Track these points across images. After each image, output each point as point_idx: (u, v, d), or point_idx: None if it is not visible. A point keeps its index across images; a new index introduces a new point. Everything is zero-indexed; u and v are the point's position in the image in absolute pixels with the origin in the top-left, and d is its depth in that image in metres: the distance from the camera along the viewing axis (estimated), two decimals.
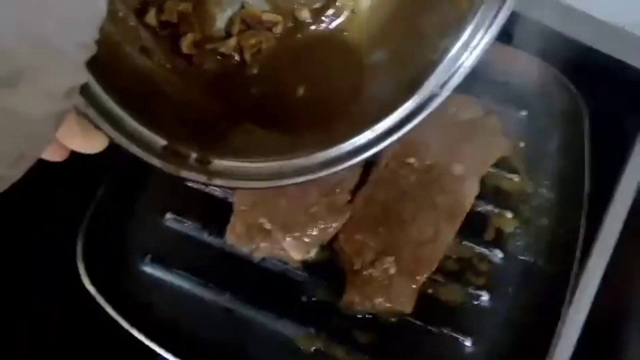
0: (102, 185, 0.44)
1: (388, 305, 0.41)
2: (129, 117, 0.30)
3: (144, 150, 0.31)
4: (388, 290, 0.41)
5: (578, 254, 0.43)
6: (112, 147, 0.45)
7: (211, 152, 0.33)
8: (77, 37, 0.21)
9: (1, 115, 0.20)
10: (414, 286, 0.42)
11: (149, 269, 0.43)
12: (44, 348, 0.40)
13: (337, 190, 0.45)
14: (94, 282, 0.40)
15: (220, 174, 0.33)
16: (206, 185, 0.45)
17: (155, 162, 0.32)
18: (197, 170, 0.33)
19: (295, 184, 0.35)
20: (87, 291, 0.40)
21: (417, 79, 0.34)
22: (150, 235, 0.45)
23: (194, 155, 0.33)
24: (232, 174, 0.34)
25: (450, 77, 0.35)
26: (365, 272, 0.42)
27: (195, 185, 0.47)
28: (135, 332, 0.38)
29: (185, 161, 0.33)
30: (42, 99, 0.21)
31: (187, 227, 0.45)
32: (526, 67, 0.54)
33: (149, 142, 0.31)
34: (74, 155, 0.47)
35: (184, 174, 0.33)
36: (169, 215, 0.45)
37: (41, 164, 0.25)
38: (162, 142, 0.32)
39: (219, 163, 0.33)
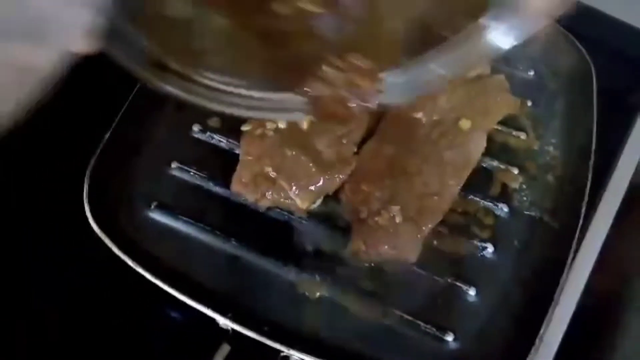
0: (109, 131, 0.44)
1: (393, 253, 0.41)
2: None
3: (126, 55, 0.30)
4: (394, 238, 0.41)
5: (584, 210, 0.44)
6: (120, 93, 0.46)
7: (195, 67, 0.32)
8: None
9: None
10: (419, 236, 0.42)
11: (155, 216, 0.44)
12: (52, 291, 0.41)
13: (344, 141, 0.45)
14: (99, 224, 0.40)
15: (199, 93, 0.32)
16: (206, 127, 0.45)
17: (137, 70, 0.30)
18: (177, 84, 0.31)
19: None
20: (94, 233, 0.40)
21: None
22: (156, 183, 0.45)
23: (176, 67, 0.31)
24: (211, 95, 0.32)
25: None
26: (371, 221, 0.42)
27: (200, 137, 0.47)
28: (141, 271, 0.38)
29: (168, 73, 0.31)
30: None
31: (193, 176, 0.45)
32: None
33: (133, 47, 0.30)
34: (82, 98, 0.47)
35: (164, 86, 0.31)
36: (174, 164, 0.46)
37: (49, 107, 0.25)
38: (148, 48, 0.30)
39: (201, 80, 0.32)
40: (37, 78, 0.23)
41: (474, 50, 0.32)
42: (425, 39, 0.33)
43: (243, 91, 0.33)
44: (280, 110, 0.33)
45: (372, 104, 0.31)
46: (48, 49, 0.23)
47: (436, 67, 0.33)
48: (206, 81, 0.32)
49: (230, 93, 0.33)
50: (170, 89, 0.32)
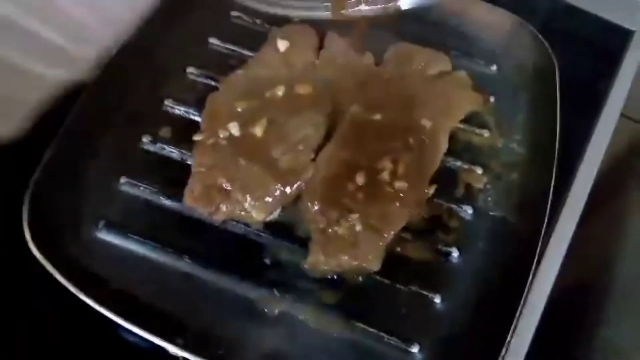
0: (50, 148, 0.41)
1: (355, 263, 0.40)
2: None
3: None
4: (354, 247, 0.40)
5: (548, 209, 0.43)
6: (60, 109, 0.43)
7: None
8: None
9: None
10: (380, 243, 0.41)
11: (102, 235, 0.41)
12: None
13: (300, 148, 0.43)
14: (40, 248, 0.38)
15: None
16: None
17: None
18: None
19: None
20: (35, 259, 0.38)
21: None
22: (103, 201, 0.43)
23: None
24: None
25: None
26: (330, 230, 0.40)
27: (151, 148, 0.45)
28: (87, 300, 0.36)
29: None
30: None
31: (143, 191, 0.43)
32: (496, 21, 0.53)
33: None
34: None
35: None
36: (123, 179, 0.43)
37: None
38: None
39: None
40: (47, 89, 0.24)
41: None
42: None
43: None
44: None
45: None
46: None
47: None
48: None
49: None
50: None
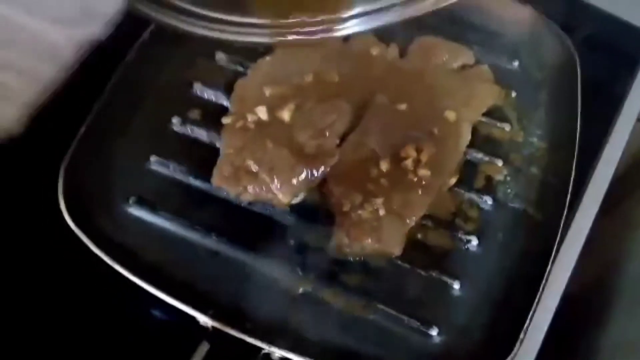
0: (85, 124, 0.43)
1: (377, 246, 0.41)
2: None
3: None
4: (377, 231, 0.41)
5: (568, 201, 0.44)
6: (95, 85, 0.45)
7: None
8: None
9: None
10: (403, 228, 0.42)
11: (133, 211, 0.43)
12: (28, 289, 0.40)
13: (327, 134, 0.45)
14: (75, 220, 0.39)
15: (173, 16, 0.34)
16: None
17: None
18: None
19: None
20: (70, 230, 0.39)
21: None
22: (134, 177, 0.44)
23: None
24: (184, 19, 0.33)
25: None
26: (354, 214, 0.42)
27: (180, 130, 0.47)
28: (118, 268, 0.37)
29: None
30: None
31: (172, 170, 0.45)
32: (520, 18, 0.54)
33: None
34: (57, 93, 0.46)
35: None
36: (153, 159, 0.45)
37: None
38: None
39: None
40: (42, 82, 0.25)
41: None
42: None
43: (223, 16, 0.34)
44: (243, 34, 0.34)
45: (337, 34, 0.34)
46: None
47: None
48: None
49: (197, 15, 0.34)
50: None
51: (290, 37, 0.34)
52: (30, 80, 0.26)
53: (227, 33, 0.34)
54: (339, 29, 0.34)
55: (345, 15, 0.34)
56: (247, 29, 0.34)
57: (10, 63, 0.25)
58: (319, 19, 0.34)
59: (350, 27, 0.34)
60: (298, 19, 0.33)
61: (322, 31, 0.34)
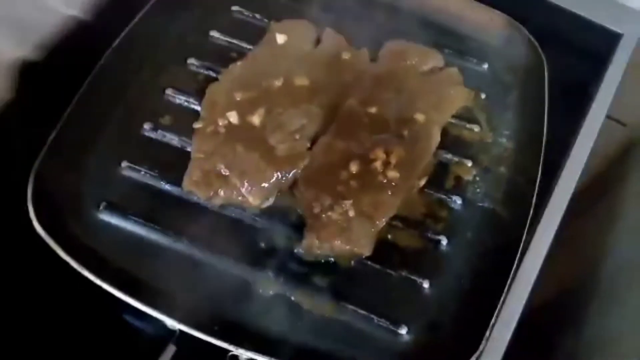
0: (55, 130, 0.43)
1: (347, 247, 0.42)
2: None
3: None
4: (347, 232, 0.42)
5: (534, 202, 0.45)
6: (66, 91, 0.45)
7: None
8: None
9: None
10: (372, 229, 0.43)
11: (103, 216, 0.43)
12: None
13: (297, 137, 0.45)
14: (43, 225, 0.39)
15: None
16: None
17: None
18: None
19: None
20: (38, 236, 0.39)
21: None
22: (105, 183, 0.45)
23: None
24: None
25: None
26: (324, 216, 0.42)
27: (151, 135, 0.47)
28: (85, 273, 0.38)
29: None
30: None
31: (143, 175, 0.45)
32: (488, 22, 0.55)
33: None
34: (27, 98, 0.46)
35: None
36: (124, 164, 0.45)
37: None
38: None
39: None
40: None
41: None
42: None
43: None
44: None
45: None
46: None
47: None
48: None
49: None
50: None
51: None
52: None
53: None
54: None
55: None
56: None
57: None
58: None
59: None
60: None
61: None
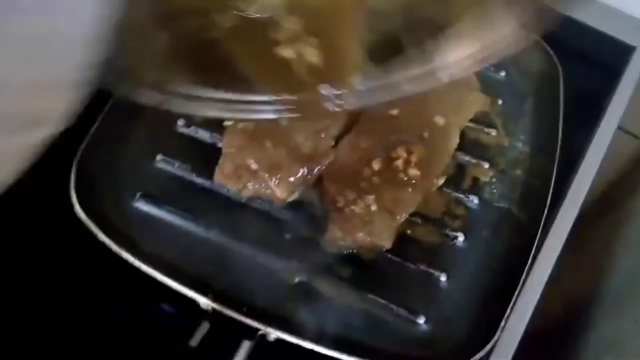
0: (96, 123, 0.46)
1: (368, 239, 0.44)
2: None
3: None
4: (369, 225, 0.44)
5: (548, 203, 0.47)
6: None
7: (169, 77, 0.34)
8: None
9: None
10: (393, 224, 0.45)
11: (139, 205, 0.46)
12: (40, 276, 0.43)
13: (322, 135, 0.48)
14: (85, 211, 0.42)
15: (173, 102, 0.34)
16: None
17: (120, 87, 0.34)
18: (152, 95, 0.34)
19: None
20: (80, 221, 0.42)
21: None
22: (141, 174, 0.47)
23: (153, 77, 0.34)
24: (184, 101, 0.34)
25: None
26: (347, 210, 0.45)
27: (185, 131, 0.50)
28: (125, 255, 0.41)
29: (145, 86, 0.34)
30: None
31: (177, 168, 0.48)
32: None
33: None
34: None
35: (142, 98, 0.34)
36: (159, 157, 0.48)
37: None
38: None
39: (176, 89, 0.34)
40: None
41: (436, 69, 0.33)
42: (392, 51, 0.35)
43: (222, 95, 0.34)
44: (255, 112, 0.35)
45: (345, 106, 0.34)
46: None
47: (401, 80, 0.34)
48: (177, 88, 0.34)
49: (212, 98, 0.34)
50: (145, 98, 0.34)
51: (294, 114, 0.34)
52: None
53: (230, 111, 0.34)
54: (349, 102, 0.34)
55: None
56: (252, 106, 0.34)
57: None
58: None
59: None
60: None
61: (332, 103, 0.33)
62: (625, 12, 0.62)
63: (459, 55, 0.34)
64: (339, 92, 0.34)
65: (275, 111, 0.35)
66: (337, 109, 0.34)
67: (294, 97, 0.34)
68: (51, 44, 0.22)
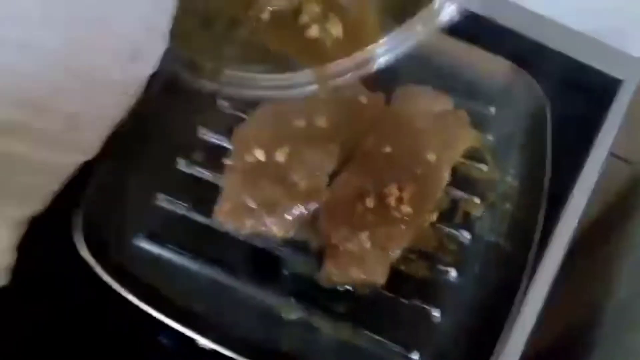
0: (97, 167, 0.48)
1: (362, 276, 0.46)
2: None
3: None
4: (363, 262, 0.46)
5: (537, 236, 0.49)
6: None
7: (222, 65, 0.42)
8: None
9: None
10: (386, 260, 0.47)
11: (143, 244, 0.48)
12: (43, 312, 0.45)
13: (317, 174, 0.50)
14: (91, 254, 0.44)
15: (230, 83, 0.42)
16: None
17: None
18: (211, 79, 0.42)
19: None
20: (85, 265, 0.44)
21: None
22: (144, 214, 0.49)
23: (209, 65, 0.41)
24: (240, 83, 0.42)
25: None
26: (342, 247, 0.47)
27: (185, 170, 0.52)
28: (127, 295, 0.42)
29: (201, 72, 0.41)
30: None
31: (178, 207, 0.50)
32: (495, 68, 0.60)
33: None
34: None
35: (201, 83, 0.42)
36: (160, 196, 0.50)
37: None
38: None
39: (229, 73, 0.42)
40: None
41: None
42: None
43: (260, 75, 0.42)
44: (292, 87, 0.42)
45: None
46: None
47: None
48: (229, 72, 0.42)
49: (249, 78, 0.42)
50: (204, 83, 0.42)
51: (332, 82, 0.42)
52: (97, 115, 0.31)
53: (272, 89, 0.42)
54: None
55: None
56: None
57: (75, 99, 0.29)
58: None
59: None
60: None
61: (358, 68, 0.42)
62: (612, 45, 0.65)
63: None
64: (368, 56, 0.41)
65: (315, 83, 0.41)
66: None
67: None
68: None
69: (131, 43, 0.31)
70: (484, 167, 0.55)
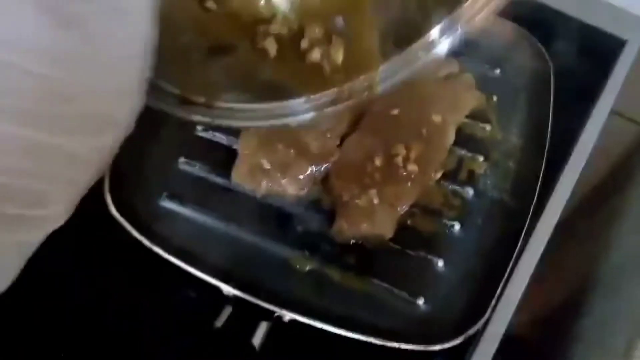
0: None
1: (372, 230, 0.49)
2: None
3: (160, 101, 0.39)
4: (372, 217, 0.49)
5: (537, 192, 0.52)
6: None
7: (216, 97, 0.40)
8: None
9: None
10: (394, 215, 0.50)
11: (166, 204, 0.52)
12: (75, 268, 0.49)
13: (328, 135, 0.53)
14: (119, 212, 0.48)
15: (223, 116, 0.40)
16: (212, 127, 0.53)
17: (171, 110, 0.39)
18: (204, 114, 0.40)
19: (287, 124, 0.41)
20: (114, 220, 0.48)
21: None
22: (166, 176, 0.53)
23: (201, 100, 0.40)
24: (233, 115, 0.40)
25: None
26: (352, 203, 0.50)
27: (204, 135, 0.56)
28: (156, 249, 0.46)
29: (195, 106, 0.40)
30: None
31: (198, 169, 0.54)
32: (500, 30, 0.62)
33: (165, 94, 0.39)
34: None
35: (195, 118, 0.40)
36: (182, 160, 0.54)
37: None
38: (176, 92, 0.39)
39: (223, 105, 0.40)
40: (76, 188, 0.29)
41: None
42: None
43: (255, 105, 0.40)
44: (287, 115, 0.40)
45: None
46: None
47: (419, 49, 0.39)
48: (223, 104, 0.40)
49: (244, 109, 0.40)
50: (198, 118, 0.40)
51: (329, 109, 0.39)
52: (64, 187, 0.29)
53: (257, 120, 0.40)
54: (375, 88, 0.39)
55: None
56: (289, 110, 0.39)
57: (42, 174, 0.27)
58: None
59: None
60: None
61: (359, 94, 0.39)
62: (615, 4, 0.66)
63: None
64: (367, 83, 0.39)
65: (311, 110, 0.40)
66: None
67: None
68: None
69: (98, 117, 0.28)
70: (487, 127, 0.57)
